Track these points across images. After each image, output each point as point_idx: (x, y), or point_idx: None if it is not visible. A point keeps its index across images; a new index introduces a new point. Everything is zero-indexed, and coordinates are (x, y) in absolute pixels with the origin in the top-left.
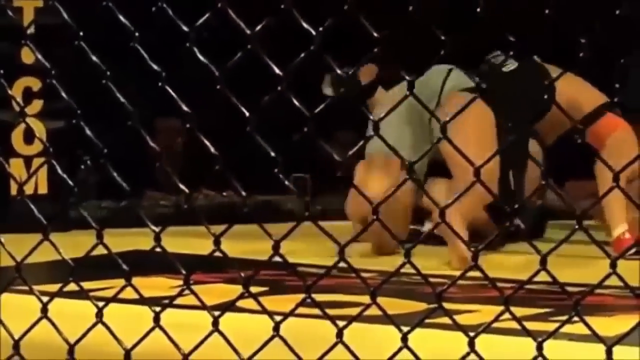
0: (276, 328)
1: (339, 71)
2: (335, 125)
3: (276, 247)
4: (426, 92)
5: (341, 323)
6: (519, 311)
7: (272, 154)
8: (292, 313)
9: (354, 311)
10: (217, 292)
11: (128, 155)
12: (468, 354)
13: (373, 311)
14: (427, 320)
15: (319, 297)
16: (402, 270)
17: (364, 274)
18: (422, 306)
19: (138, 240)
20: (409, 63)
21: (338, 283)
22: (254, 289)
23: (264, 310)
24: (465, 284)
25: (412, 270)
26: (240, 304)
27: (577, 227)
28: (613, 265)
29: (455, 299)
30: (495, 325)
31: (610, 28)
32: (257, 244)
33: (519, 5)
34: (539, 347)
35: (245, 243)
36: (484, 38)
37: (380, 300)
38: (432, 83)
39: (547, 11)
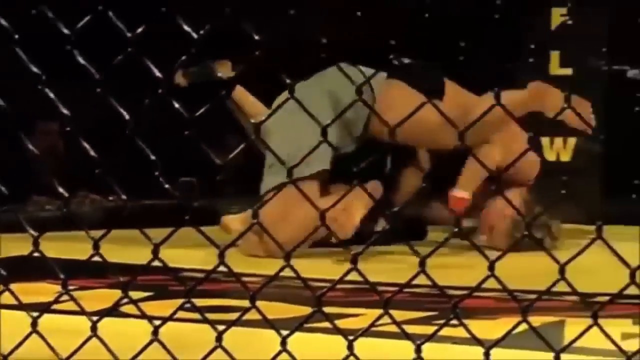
0: (155, 332)
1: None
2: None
3: (155, 252)
4: (350, 89)
5: (222, 327)
6: (403, 314)
7: (152, 157)
8: (170, 318)
9: (236, 315)
10: (101, 297)
11: (13, 159)
12: (347, 357)
13: (254, 315)
14: (309, 325)
15: (201, 302)
16: (289, 275)
17: (248, 279)
18: (306, 310)
19: (24, 245)
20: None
21: (222, 288)
22: (139, 294)
23: (143, 315)
24: (350, 288)
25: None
26: (125, 309)
27: (455, 230)
28: (491, 268)
29: (339, 303)
30: (378, 328)
31: (494, 34)
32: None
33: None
34: (418, 350)
35: (135, 248)
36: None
37: (262, 304)
38: (353, 79)
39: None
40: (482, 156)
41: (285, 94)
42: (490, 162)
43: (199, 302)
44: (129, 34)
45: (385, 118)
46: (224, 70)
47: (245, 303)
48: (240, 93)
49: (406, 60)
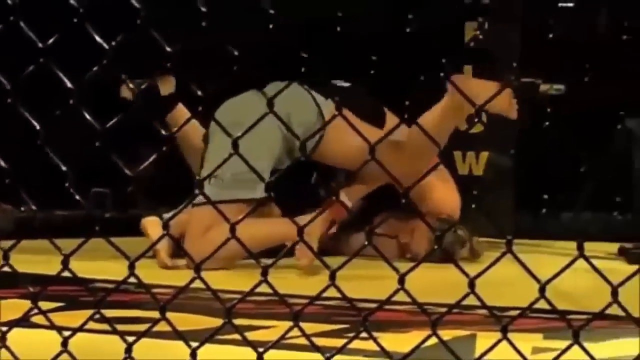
0: (64, 343)
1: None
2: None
3: (65, 262)
4: (302, 110)
5: (132, 339)
6: (316, 327)
7: (63, 167)
8: (80, 329)
9: (147, 327)
10: (12, 307)
11: None
12: None
13: (167, 327)
14: (220, 336)
15: (113, 313)
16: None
17: (159, 290)
18: (217, 322)
19: None
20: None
21: (134, 299)
22: (50, 305)
23: (53, 326)
24: (262, 300)
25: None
26: (36, 319)
27: (366, 243)
28: (401, 282)
29: (250, 315)
30: (290, 341)
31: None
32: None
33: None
34: None
35: (48, 258)
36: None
37: (174, 316)
38: (300, 97)
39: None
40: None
41: (229, 106)
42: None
43: (112, 313)
44: (40, 44)
45: (334, 145)
46: (166, 86)
47: (153, 314)
48: (181, 112)
49: (343, 84)
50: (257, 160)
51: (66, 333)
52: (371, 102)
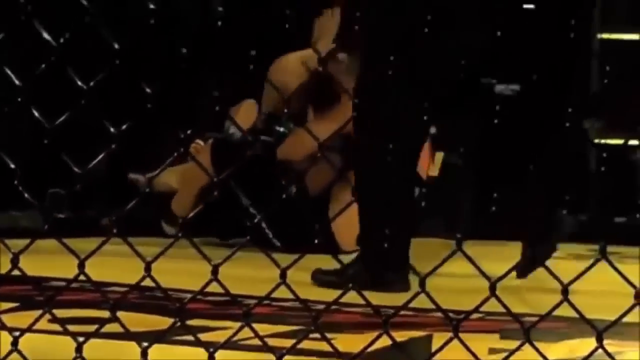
0: (14, 343)
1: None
2: None
3: (14, 261)
4: None
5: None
6: (271, 328)
7: (12, 165)
8: (29, 329)
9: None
10: None
11: None
12: None
13: (117, 328)
14: (176, 337)
15: (69, 313)
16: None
17: (112, 288)
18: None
19: None
20: None
21: (87, 298)
22: (4, 305)
23: (3, 326)
24: (219, 300)
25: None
26: None
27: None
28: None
29: (207, 315)
30: (245, 342)
31: None
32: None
33: None
34: None
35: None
36: None
37: (126, 315)
38: None
39: None
40: None
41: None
42: None
43: (68, 313)
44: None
45: None
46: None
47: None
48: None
49: None
50: None
51: (17, 333)
52: None
